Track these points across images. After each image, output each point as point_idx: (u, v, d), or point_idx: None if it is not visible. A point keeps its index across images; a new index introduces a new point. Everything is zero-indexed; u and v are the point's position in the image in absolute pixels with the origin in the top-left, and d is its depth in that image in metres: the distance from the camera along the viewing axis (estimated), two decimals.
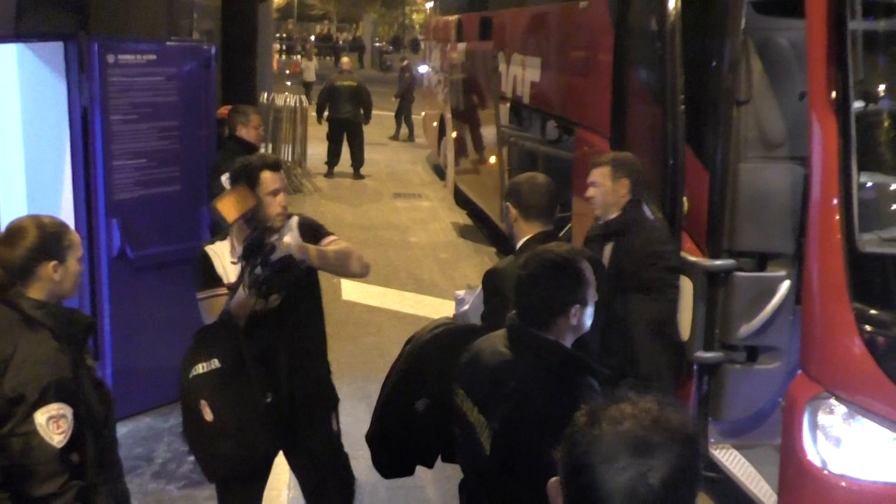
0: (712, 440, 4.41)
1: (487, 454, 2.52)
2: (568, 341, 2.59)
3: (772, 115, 4.18)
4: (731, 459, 4.34)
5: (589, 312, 2.61)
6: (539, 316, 2.57)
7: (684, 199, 4.22)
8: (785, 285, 4.15)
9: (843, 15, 3.44)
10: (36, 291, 2.84)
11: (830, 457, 3.59)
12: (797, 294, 4.07)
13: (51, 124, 5.32)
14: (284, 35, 43.67)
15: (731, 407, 4.32)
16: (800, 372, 3.71)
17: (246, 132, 6.08)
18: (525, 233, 3.57)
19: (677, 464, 1.46)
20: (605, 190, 4.10)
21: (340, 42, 47.47)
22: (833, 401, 3.56)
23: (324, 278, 9.24)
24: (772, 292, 4.16)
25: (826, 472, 3.59)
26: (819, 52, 3.54)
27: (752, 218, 4.19)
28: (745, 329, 4.18)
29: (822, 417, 3.56)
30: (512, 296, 2.66)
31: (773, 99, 4.17)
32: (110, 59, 5.20)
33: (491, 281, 3.57)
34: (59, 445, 2.69)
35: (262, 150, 7.54)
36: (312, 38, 50.08)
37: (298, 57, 26.30)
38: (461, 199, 11.99)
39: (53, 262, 2.85)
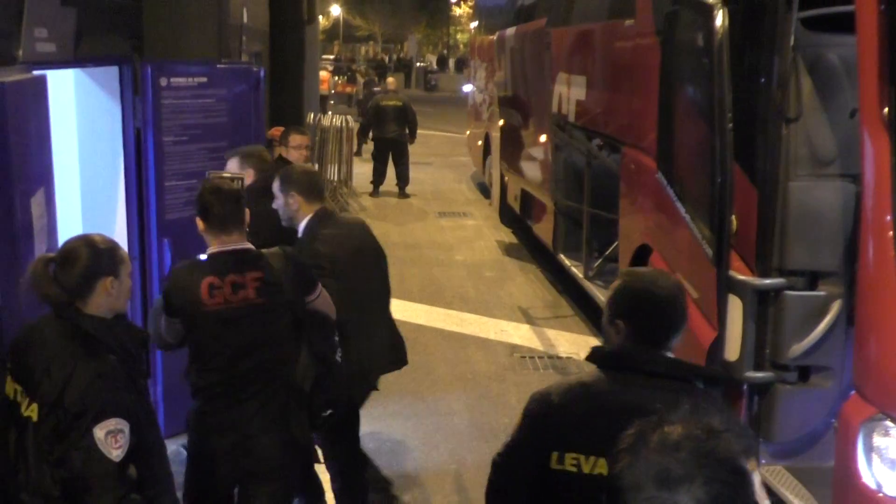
0: (763, 462, 4.36)
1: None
2: None
3: (822, 133, 4.14)
4: (782, 482, 4.27)
5: None
6: (666, 335, 2.49)
7: (733, 217, 4.18)
8: (837, 304, 4.09)
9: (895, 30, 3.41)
10: (93, 307, 2.92)
11: (886, 480, 3.52)
12: (849, 313, 4.01)
13: (105, 146, 5.43)
14: (332, 56, 44.08)
15: (782, 428, 4.25)
16: (853, 392, 3.66)
17: (287, 153, 6.15)
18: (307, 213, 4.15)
19: (714, 499, 1.40)
20: None
21: (388, 63, 47.89)
22: (888, 422, 3.49)
23: None
24: (823, 311, 4.10)
25: (881, 494, 3.53)
26: (870, 69, 3.51)
27: (803, 236, 4.14)
28: (797, 348, 4.12)
29: (878, 439, 3.50)
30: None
31: (823, 116, 4.13)
32: (163, 81, 5.30)
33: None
34: (117, 459, 2.74)
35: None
36: (358, 60, 50.56)
37: (337, 78, 26.49)
38: (507, 218, 12.00)
39: (110, 278, 2.94)
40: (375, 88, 20.96)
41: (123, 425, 2.77)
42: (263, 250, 3.68)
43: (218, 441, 3.57)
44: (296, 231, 4.35)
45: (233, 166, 5.00)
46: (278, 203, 4.37)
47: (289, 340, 3.66)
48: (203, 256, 3.59)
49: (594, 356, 2.54)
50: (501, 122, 10.96)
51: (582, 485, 2.37)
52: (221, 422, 3.56)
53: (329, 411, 3.83)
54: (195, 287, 3.48)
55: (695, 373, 2.50)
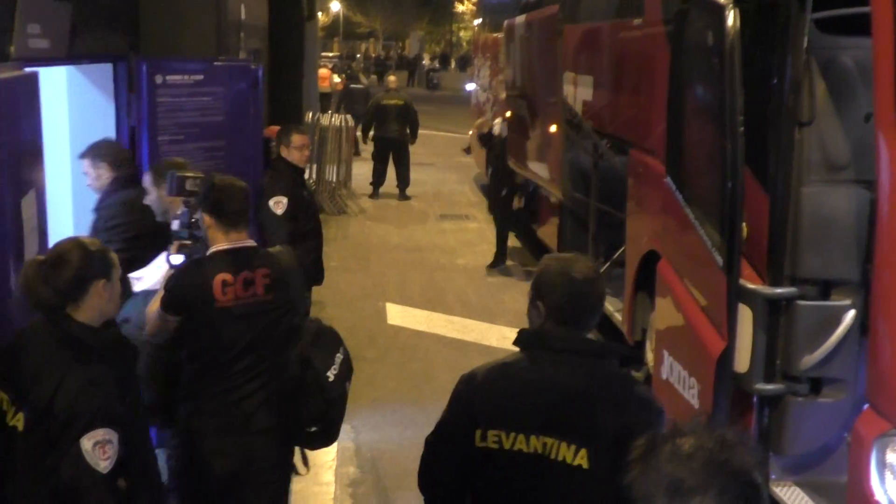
0: (773, 477, 4.34)
1: (587, 470, 2.46)
2: None
3: (836, 137, 4.14)
4: (793, 497, 4.26)
5: None
6: (582, 315, 2.64)
7: (743, 223, 4.18)
8: (850, 314, 4.08)
9: None
10: (85, 312, 2.92)
11: None
12: (863, 323, 4.01)
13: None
14: (332, 54, 44.10)
15: (793, 441, 4.24)
16: (866, 406, 3.65)
17: (288, 153, 6.15)
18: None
19: None
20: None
21: (390, 61, 47.86)
22: None
23: (369, 303, 9.30)
24: (836, 321, 4.09)
25: None
26: (886, 72, 3.51)
27: (816, 244, 4.13)
28: (809, 360, 4.12)
29: (892, 456, 3.49)
30: None
31: (836, 120, 4.13)
32: (158, 79, 5.31)
33: None
34: (105, 471, 2.73)
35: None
36: (358, 56, 50.58)
37: (336, 76, 26.40)
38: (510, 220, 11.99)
39: (102, 281, 2.94)
40: (354, 85, 20.85)
41: (112, 436, 2.77)
42: (270, 248, 3.85)
43: (216, 441, 3.62)
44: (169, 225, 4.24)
45: (86, 166, 4.95)
46: (151, 198, 4.46)
47: (288, 341, 3.75)
48: (208, 253, 3.69)
49: (518, 337, 2.70)
50: (508, 115, 10.92)
51: (505, 461, 2.54)
52: (220, 420, 3.62)
53: (315, 428, 3.84)
54: (207, 284, 3.58)
55: (607, 350, 2.68)
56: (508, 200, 10.59)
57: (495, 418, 2.57)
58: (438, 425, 2.77)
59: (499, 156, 10.83)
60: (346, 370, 3.84)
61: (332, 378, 3.78)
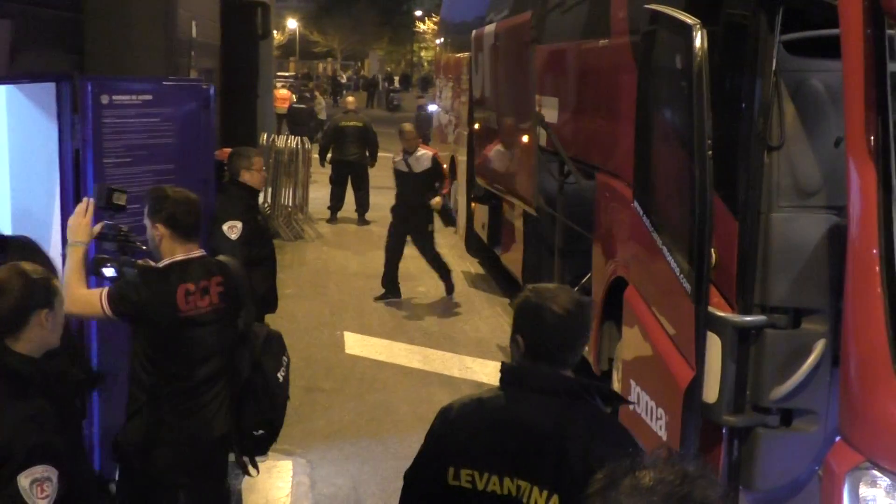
0: None
1: None
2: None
3: (806, 162, 4.16)
4: None
5: None
6: (559, 352, 2.59)
7: (712, 250, 4.18)
8: (821, 343, 4.09)
9: (883, 56, 3.43)
10: (24, 343, 2.87)
11: None
12: (834, 353, 4.02)
13: (40, 168, 5.32)
14: (289, 73, 44.11)
15: (763, 475, 4.23)
16: (838, 438, 3.65)
17: (250, 176, 6.11)
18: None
19: None
20: None
21: (343, 80, 47.90)
22: (876, 472, 3.47)
23: (326, 332, 9.25)
24: (807, 351, 4.09)
25: None
26: (856, 95, 3.52)
27: (786, 271, 4.14)
28: (779, 390, 4.11)
29: (864, 490, 3.48)
30: None
31: (807, 144, 4.15)
32: (104, 99, 5.22)
33: None
34: None
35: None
36: (317, 76, 50.61)
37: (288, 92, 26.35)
38: (473, 247, 11.98)
39: (45, 311, 2.89)
40: (297, 105, 20.80)
41: (51, 472, 2.71)
42: (220, 257, 4.21)
43: (175, 449, 3.82)
44: None
45: None
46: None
47: (238, 346, 4.06)
48: (162, 264, 3.90)
49: (500, 372, 2.67)
50: (476, 127, 10.82)
51: (478, 502, 2.49)
52: (182, 429, 3.81)
53: (261, 431, 4.11)
54: (171, 294, 3.80)
55: (584, 389, 2.57)
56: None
57: (467, 457, 2.53)
58: (415, 459, 2.75)
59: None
60: (289, 373, 4.16)
61: (281, 380, 4.09)
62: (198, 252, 3.98)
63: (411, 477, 2.75)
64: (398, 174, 10.30)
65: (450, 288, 10.35)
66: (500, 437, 2.51)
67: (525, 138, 8.00)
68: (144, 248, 4.02)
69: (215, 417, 3.90)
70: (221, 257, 4.22)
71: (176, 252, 3.90)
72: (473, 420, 2.59)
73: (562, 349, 2.59)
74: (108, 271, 3.83)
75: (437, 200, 10.31)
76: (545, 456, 2.45)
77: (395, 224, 10.31)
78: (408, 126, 10.48)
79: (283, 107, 23.03)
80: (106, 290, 3.85)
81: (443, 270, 10.36)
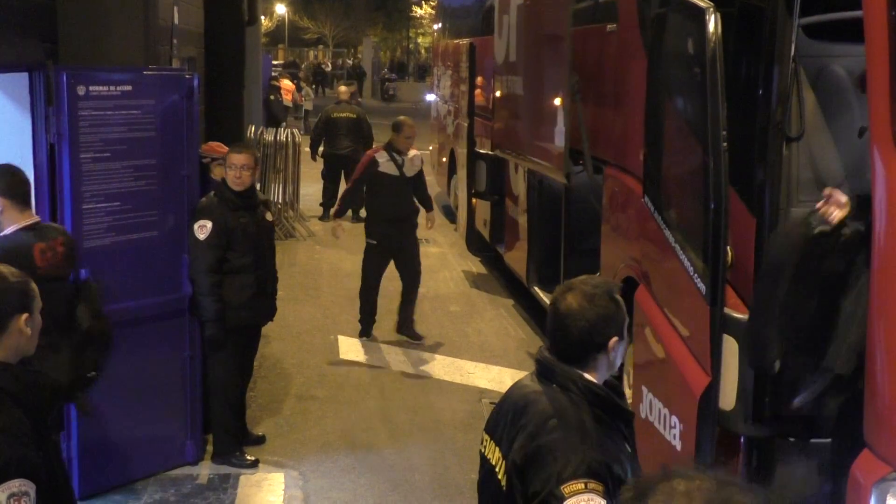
0: None
1: (504, 491, 2.67)
2: (601, 378, 2.73)
3: (827, 154, 4.16)
4: None
5: (623, 348, 2.76)
6: (576, 350, 2.71)
7: (728, 248, 4.18)
8: None
9: None
10: (1, 351, 2.84)
11: None
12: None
13: (13, 162, 5.32)
14: (277, 62, 44.13)
15: (784, 487, 4.24)
16: (864, 449, 3.64)
17: (225, 174, 6.06)
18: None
19: None
20: None
21: (329, 68, 47.81)
22: None
23: (319, 336, 9.23)
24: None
25: None
26: (881, 82, 3.52)
27: None
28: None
29: (892, 501, 3.48)
30: None
31: (828, 135, 4.15)
32: (80, 90, 5.22)
33: None
34: None
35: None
36: (304, 65, 50.63)
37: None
38: (474, 245, 11.97)
39: (25, 315, 2.87)
40: (272, 97, 20.72)
41: (29, 487, 2.71)
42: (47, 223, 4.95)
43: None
44: None
45: None
46: None
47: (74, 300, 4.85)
48: (10, 231, 4.64)
49: None
50: (498, 95, 10.61)
51: (484, 464, 2.84)
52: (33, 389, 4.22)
53: (94, 372, 4.78)
54: (29, 252, 4.53)
55: (571, 382, 2.69)
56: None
57: (488, 424, 2.88)
58: None
59: None
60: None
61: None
62: (36, 217, 4.78)
63: None
64: (383, 179, 8.58)
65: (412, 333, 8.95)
66: (503, 409, 2.81)
67: (557, 101, 7.89)
68: None
69: (58, 371, 4.22)
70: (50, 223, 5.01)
71: (17, 220, 4.66)
72: (505, 396, 2.88)
73: (569, 345, 2.72)
74: None
75: (431, 217, 9.21)
76: (515, 429, 2.69)
77: (378, 247, 8.77)
78: (408, 120, 8.88)
79: (286, 99, 22.99)
80: None
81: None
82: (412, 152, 8.78)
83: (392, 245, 8.72)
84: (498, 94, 10.15)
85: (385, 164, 8.56)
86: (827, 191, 3.73)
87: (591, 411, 2.63)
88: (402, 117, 9.01)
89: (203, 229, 5.80)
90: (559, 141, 7.17)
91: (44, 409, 2.98)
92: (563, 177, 7.14)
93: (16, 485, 2.68)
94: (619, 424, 2.70)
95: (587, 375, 2.69)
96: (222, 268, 5.91)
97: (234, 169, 5.92)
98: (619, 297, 2.75)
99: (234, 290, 5.94)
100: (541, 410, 2.65)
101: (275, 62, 37.75)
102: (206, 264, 5.82)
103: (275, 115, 19.15)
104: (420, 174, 8.88)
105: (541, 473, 2.54)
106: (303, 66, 45.39)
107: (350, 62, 53.63)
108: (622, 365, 6.23)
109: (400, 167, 8.59)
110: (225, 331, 5.92)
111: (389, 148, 8.63)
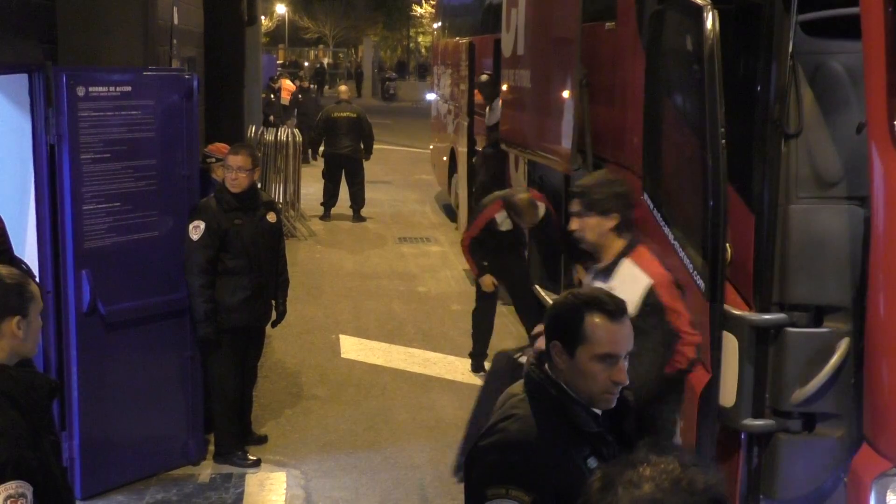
0: None
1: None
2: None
3: (826, 150, 4.15)
4: None
5: None
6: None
7: (727, 245, 4.18)
8: (844, 343, 4.08)
9: None
10: None
11: None
12: (859, 353, 4.01)
13: (13, 164, 5.34)
14: (281, 62, 44.16)
15: (785, 483, 4.23)
16: (864, 444, 3.65)
17: (222, 174, 6.06)
18: None
19: None
20: None
21: (324, 67, 47.81)
22: None
23: (320, 335, 9.23)
24: (830, 351, 4.09)
25: None
26: (878, 78, 3.52)
27: (806, 266, 4.14)
28: (801, 393, 4.11)
29: (892, 497, 3.49)
30: None
31: (826, 131, 4.15)
32: (80, 91, 5.23)
33: None
34: None
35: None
36: (307, 64, 50.61)
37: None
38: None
39: (16, 318, 2.88)
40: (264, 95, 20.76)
41: (26, 489, 2.72)
42: None
43: None
44: None
45: None
46: None
47: None
48: None
49: None
50: (505, 88, 10.54)
51: None
52: None
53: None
54: None
55: (545, 391, 2.71)
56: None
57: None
58: None
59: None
60: None
61: None
62: None
63: None
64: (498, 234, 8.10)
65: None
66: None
67: (565, 93, 7.86)
68: None
69: None
70: None
71: None
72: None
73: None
74: None
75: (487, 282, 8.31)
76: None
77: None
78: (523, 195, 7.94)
79: (284, 97, 23.01)
80: None
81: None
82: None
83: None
84: (504, 87, 10.13)
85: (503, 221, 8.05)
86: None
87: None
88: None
89: (196, 230, 5.82)
90: (567, 131, 7.13)
91: (40, 410, 2.98)
92: (571, 168, 7.03)
93: (13, 486, 2.69)
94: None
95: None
96: (216, 269, 5.91)
97: (231, 170, 5.93)
98: None
99: (227, 292, 5.94)
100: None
101: (278, 62, 37.83)
102: (197, 265, 5.83)
103: (266, 116, 19.17)
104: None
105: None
106: (304, 65, 45.42)
107: (349, 63, 53.62)
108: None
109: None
110: (218, 332, 5.93)
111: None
